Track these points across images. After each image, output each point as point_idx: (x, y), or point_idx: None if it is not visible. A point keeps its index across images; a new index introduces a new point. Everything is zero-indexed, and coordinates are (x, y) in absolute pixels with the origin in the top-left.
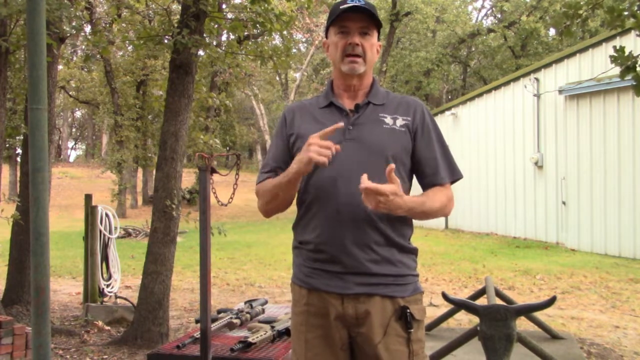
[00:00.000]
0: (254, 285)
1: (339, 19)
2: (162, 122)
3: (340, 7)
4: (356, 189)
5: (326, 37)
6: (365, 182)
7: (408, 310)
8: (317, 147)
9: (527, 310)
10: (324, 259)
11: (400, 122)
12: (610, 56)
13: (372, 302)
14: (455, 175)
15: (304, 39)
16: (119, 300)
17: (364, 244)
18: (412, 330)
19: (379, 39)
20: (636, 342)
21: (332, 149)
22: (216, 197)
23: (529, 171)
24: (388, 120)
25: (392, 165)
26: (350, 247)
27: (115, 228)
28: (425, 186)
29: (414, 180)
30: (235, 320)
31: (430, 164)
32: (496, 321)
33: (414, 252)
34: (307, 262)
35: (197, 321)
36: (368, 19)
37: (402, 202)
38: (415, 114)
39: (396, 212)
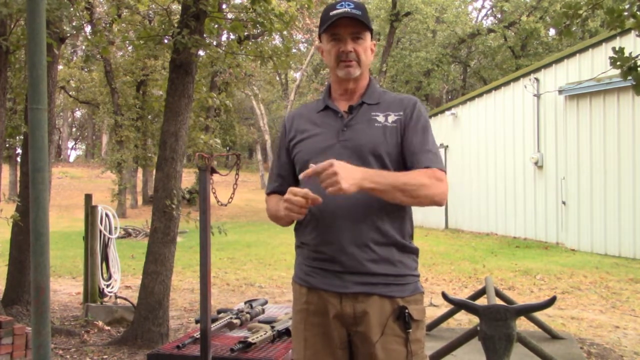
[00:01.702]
0: (254, 285)
1: (330, 27)
2: (162, 122)
3: (330, 14)
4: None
5: (320, 40)
6: (303, 173)
7: (407, 311)
8: (289, 204)
9: (527, 311)
10: (323, 259)
11: (392, 118)
12: (610, 57)
13: (371, 302)
14: (436, 163)
15: (303, 39)
16: (119, 300)
17: (362, 243)
18: (410, 330)
19: (372, 39)
20: (636, 342)
21: (305, 203)
22: (216, 197)
23: (529, 171)
24: (380, 118)
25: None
26: (348, 247)
27: (115, 228)
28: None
29: None
30: (235, 321)
31: (411, 149)
32: (496, 321)
33: (414, 252)
34: (306, 261)
35: (197, 321)
36: (359, 24)
37: (352, 166)
38: (407, 109)
39: (362, 182)
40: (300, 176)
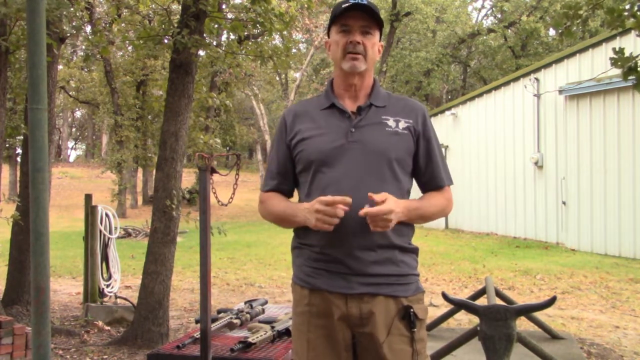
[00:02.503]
0: (254, 285)
1: (340, 18)
2: (162, 122)
3: (343, 6)
4: (360, 193)
5: (328, 36)
6: (365, 209)
7: (412, 310)
8: (322, 216)
9: (527, 310)
10: (328, 260)
11: (402, 124)
12: (611, 58)
13: (376, 302)
14: (449, 180)
15: (303, 40)
16: (119, 300)
17: (367, 247)
18: (415, 329)
19: (381, 39)
20: (636, 342)
21: (337, 214)
22: (216, 197)
23: (529, 171)
24: (390, 122)
25: (370, 194)
26: (355, 251)
27: (115, 228)
28: (425, 190)
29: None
30: (235, 320)
31: (430, 170)
32: (496, 321)
33: (414, 251)
34: (308, 262)
35: (197, 321)
36: (370, 17)
37: (404, 208)
38: (417, 117)
39: (399, 220)
40: (361, 213)
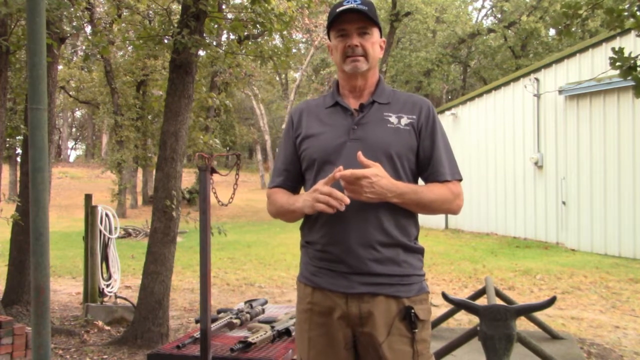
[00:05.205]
0: (254, 285)
1: (336, 22)
2: (162, 122)
3: (337, 10)
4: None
5: (329, 39)
6: (340, 171)
7: (412, 311)
8: (319, 195)
9: (527, 310)
10: (329, 259)
11: (405, 120)
12: (610, 58)
13: (376, 302)
14: (455, 175)
15: (303, 40)
16: (119, 300)
17: (367, 244)
18: (416, 330)
19: (381, 36)
20: (636, 342)
21: (335, 196)
22: (216, 197)
23: (529, 171)
24: (393, 119)
25: (359, 152)
26: (354, 248)
27: (115, 228)
28: (427, 183)
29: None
30: (235, 320)
31: (432, 162)
32: (496, 321)
33: (419, 251)
34: (313, 261)
35: (197, 321)
36: (365, 18)
37: (389, 183)
38: (421, 112)
39: (388, 197)
40: (337, 175)
